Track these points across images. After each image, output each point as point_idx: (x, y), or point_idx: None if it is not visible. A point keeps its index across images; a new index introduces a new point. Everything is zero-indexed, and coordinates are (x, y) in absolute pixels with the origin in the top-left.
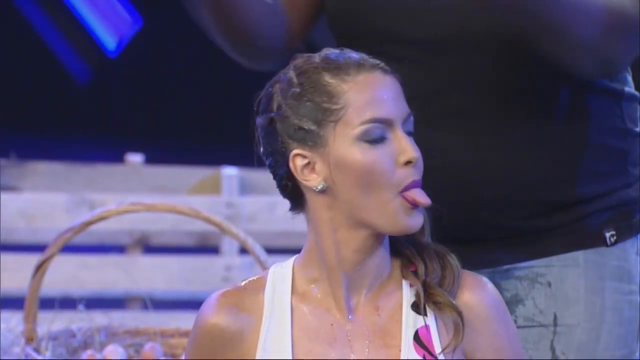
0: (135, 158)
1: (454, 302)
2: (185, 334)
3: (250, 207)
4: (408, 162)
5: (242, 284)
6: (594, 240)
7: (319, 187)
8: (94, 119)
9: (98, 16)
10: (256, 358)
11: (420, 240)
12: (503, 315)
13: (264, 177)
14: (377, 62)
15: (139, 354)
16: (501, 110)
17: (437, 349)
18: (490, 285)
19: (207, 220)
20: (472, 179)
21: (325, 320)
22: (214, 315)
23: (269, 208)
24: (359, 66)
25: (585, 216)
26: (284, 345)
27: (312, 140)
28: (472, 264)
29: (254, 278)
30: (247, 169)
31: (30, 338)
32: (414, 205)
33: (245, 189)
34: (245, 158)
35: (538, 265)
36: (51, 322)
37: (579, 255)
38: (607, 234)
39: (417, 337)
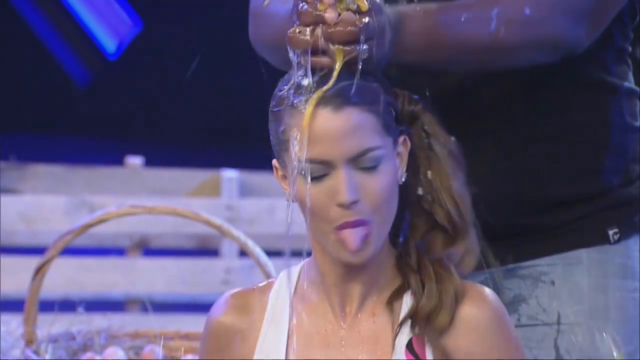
0: (135, 160)
1: (439, 342)
2: (185, 336)
3: (250, 210)
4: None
5: (254, 285)
6: (597, 238)
7: (290, 201)
8: (93, 121)
9: (98, 19)
10: (253, 358)
11: (423, 258)
12: (503, 329)
13: (264, 180)
14: (337, 95)
15: (138, 356)
16: (501, 110)
17: (429, 358)
18: (491, 298)
19: (207, 222)
20: (475, 178)
21: (320, 325)
22: (219, 314)
23: (268, 211)
24: (310, 99)
25: (588, 214)
26: (280, 347)
27: (279, 157)
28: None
29: (269, 280)
30: (246, 171)
31: (30, 340)
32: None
33: (245, 191)
34: (245, 160)
35: (541, 264)
36: (51, 325)
37: (582, 253)
38: (610, 232)
39: (410, 346)
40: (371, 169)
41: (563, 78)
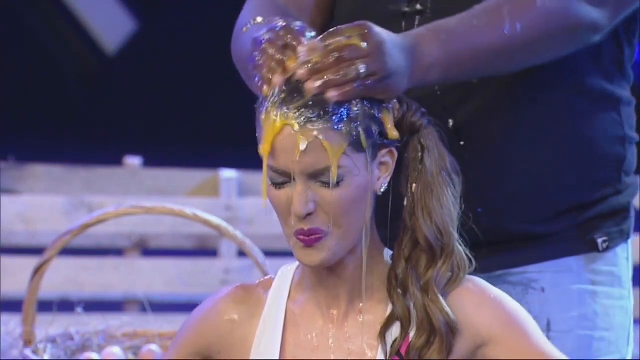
0: (133, 160)
1: None
2: None
3: (249, 210)
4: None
5: (257, 281)
6: (586, 246)
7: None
8: (92, 121)
9: (97, 17)
10: (250, 357)
11: (409, 284)
12: (514, 318)
13: None
14: (304, 113)
15: (137, 356)
16: (499, 118)
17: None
18: (495, 294)
19: (206, 222)
20: (470, 186)
21: (311, 326)
22: (215, 300)
23: (267, 210)
24: (277, 114)
25: (579, 223)
26: (274, 347)
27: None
28: None
29: (270, 277)
30: (245, 171)
31: (28, 340)
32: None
33: (243, 191)
34: (243, 160)
35: (531, 270)
36: (49, 325)
37: (572, 260)
38: (599, 240)
39: (395, 346)
40: (328, 184)
41: (565, 88)
